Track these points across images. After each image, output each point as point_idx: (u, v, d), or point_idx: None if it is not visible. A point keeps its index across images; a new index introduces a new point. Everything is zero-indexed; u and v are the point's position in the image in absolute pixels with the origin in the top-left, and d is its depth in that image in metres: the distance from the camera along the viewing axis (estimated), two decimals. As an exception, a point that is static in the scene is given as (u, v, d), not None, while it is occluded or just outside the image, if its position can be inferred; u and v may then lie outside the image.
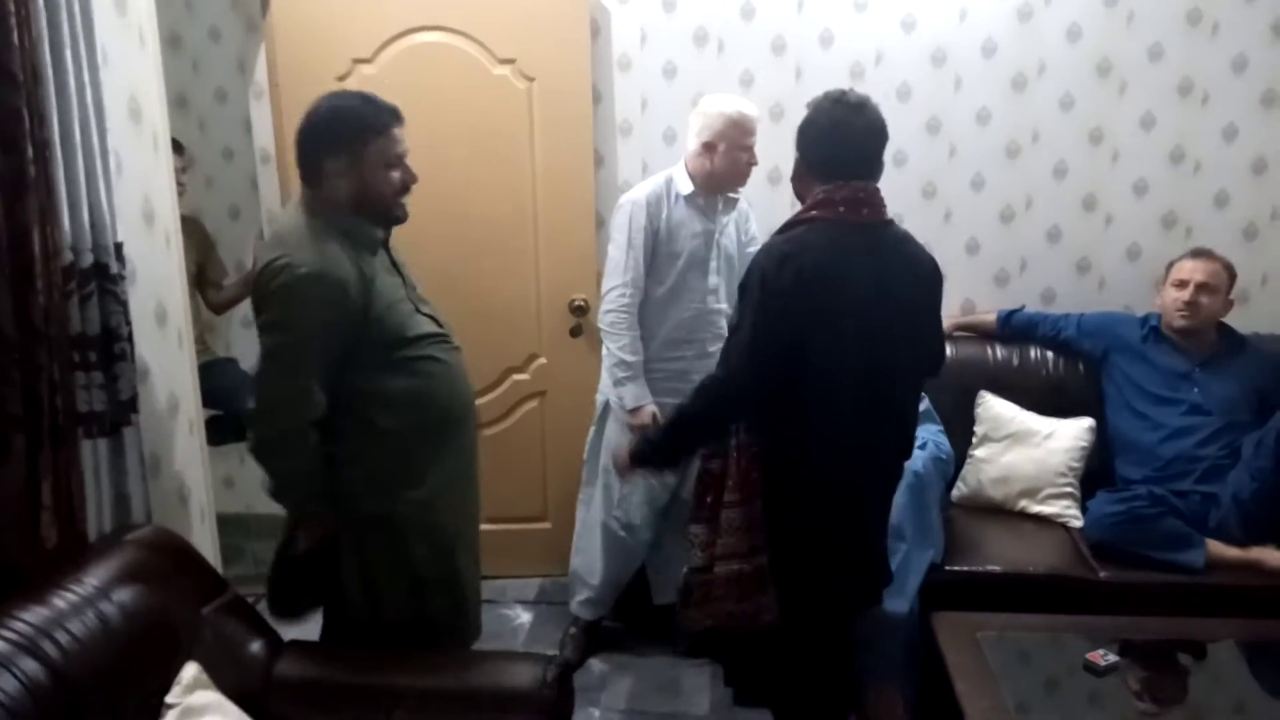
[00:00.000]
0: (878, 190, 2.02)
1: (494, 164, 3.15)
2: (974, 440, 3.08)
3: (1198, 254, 2.96)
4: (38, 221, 1.74)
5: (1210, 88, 3.13)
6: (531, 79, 3.11)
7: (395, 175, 1.95)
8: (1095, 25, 3.11)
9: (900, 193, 3.26)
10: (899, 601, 2.52)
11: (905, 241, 2.08)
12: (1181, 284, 2.92)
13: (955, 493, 3.05)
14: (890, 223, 2.06)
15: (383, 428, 1.98)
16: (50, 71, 1.76)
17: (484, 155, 3.14)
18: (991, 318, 3.24)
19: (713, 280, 2.78)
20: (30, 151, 1.71)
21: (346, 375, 1.93)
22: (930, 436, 2.88)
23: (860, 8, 3.14)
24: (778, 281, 1.92)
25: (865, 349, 1.96)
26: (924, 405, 3.01)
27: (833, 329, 1.94)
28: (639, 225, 2.70)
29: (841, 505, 2.07)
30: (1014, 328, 3.20)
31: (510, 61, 3.10)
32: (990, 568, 2.69)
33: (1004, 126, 3.22)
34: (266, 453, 1.94)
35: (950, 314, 3.32)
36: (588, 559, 2.97)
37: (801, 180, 2.08)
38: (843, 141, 1.98)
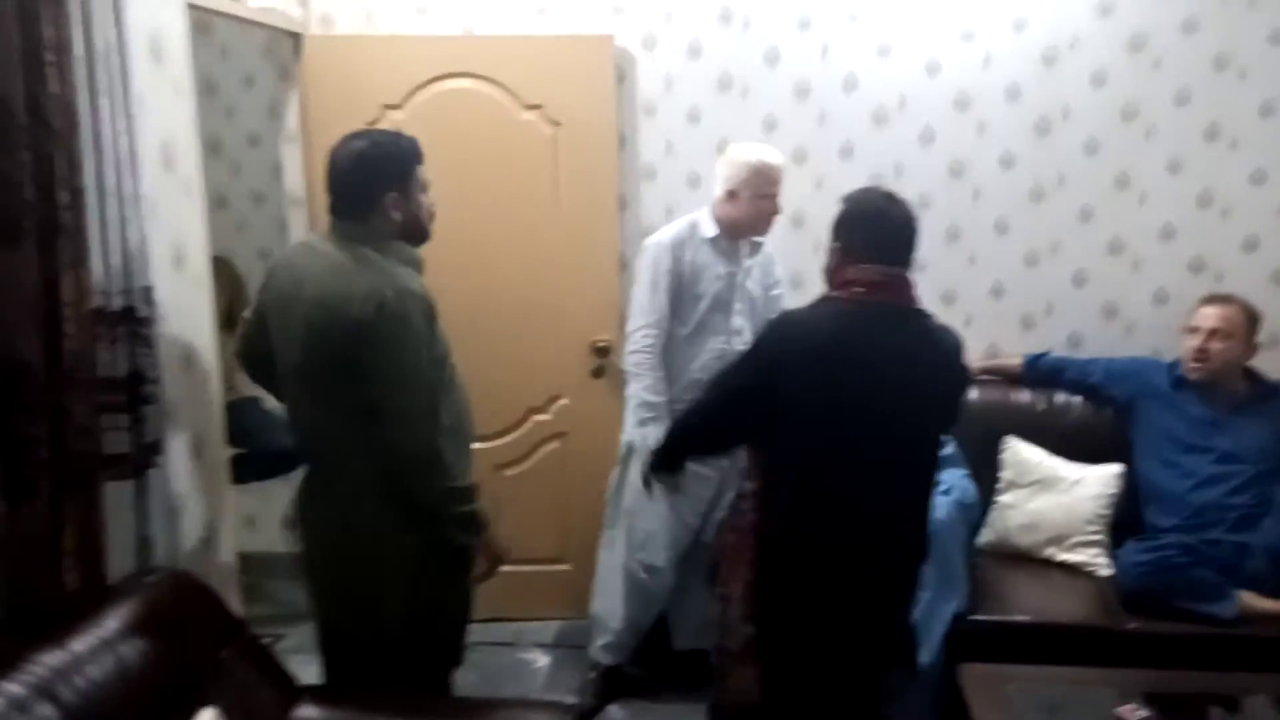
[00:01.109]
0: (905, 278, 2.00)
1: (520, 207, 3.18)
2: (1000, 485, 3.04)
3: (1212, 300, 2.92)
4: (69, 265, 1.77)
5: (1238, 132, 3.11)
6: (558, 124, 3.15)
7: (427, 199, 2.06)
8: (1120, 70, 3.11)
9: (925, 237, 3.22)
10: (922, 652, 2.48)
11: (927, 335, 2.03)
12: (1194, 330, 2.88)
13: (981, 539, 3.00)
14: (918, 311, 2.02)
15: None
16: (86, 120, 1.81)
17: (510, 198, 3.18)
18: (1017, 361, 3.21)
19: (736, 322, 2.78)
20: (64, 198, 1.76)
21: None
22: (955, 481, 2.84)
23: (884, 53, 3.16)
24: (771, 338, 2.02)
25: (852, 427, 1.94)
26: (949, 449, 2.99)
27: (815, 400, 1.93)
28: (664, 267, 2.73)
29: (830, 585, 2.02)
30: (1040, 372, 3.17)
31: (537, 107, 3.15)
32: (1017, 617, 2.64)
33: (1028, 170, 3.21)
34: (452, 498, 1.97)
35: (975, 358, 3.31)
36: (609, 602, 2.95)
37: (836, 268, 2.04)
38: (878, 226, 1.99)
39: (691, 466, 2.71)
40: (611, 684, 2.98)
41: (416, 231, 2.05)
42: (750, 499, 2.10)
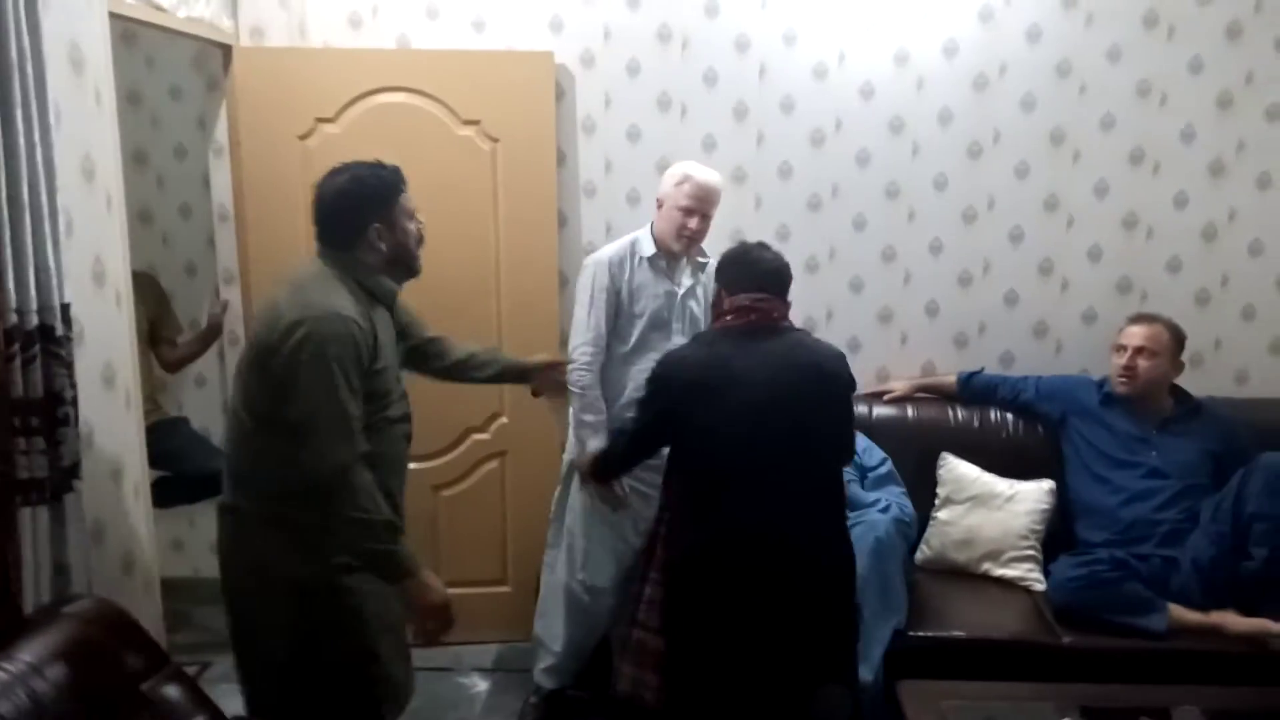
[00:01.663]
0: (774, 301, 2.24)
1: (458, 224, 3.13)
2: (936, 502, 3.08)
3: (1138, 319, 3.01)
4: (-20, 282, 1.69)
5: (1161, 156, 3.21)
6: (496, 140, 3.12)
7: (414, 226, 2.08)
8: (1048, 92, 3.19)
9: (861, 257, 3.31)
10: (863, 670, 2.48)
11: (799, 343, 2.24)
12: (1121, 349, 2.98)
13: (919, 555, 3.03)
14: (789, 326, 2.27)
15: None
16: (-1, 132, 1.73)
17: (447, 216, 3.12)
18: (951, 379, 3.26)
19: (676, 341, 2.77)
20: (-25, 211, 1.68)
21: None
22: (893, 499, 2.87)
23: (820, 75, 3.20)
24: (658, 374, 2.26)
25: (744, 437, 2.10)
26: (886, 468, 3.02)
27: (701, 419, 2.13)
28: (601, 284, 2.72)
29: (735, 590, 2.11)
30: (974, 390, 3.22)
31: (475, 123, 3.11)
32: (955, 633, 2.66)
33: (961, 192, 3.27)
34: (361, 530, 1.89)
35: (910, 375, 3.36)
36: (551, 624, 2.90)
37: (714, 305, 2.39)
38: (745, 264, 2.28)
39: (634, 485, 2.70)
40: (554, 708, 2.93)
41: (405, 259, 2.06)
42: (661, 516, 2.42)
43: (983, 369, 3.28)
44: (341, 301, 1.90)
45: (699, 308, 2.84)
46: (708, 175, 2.71)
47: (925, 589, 2.85)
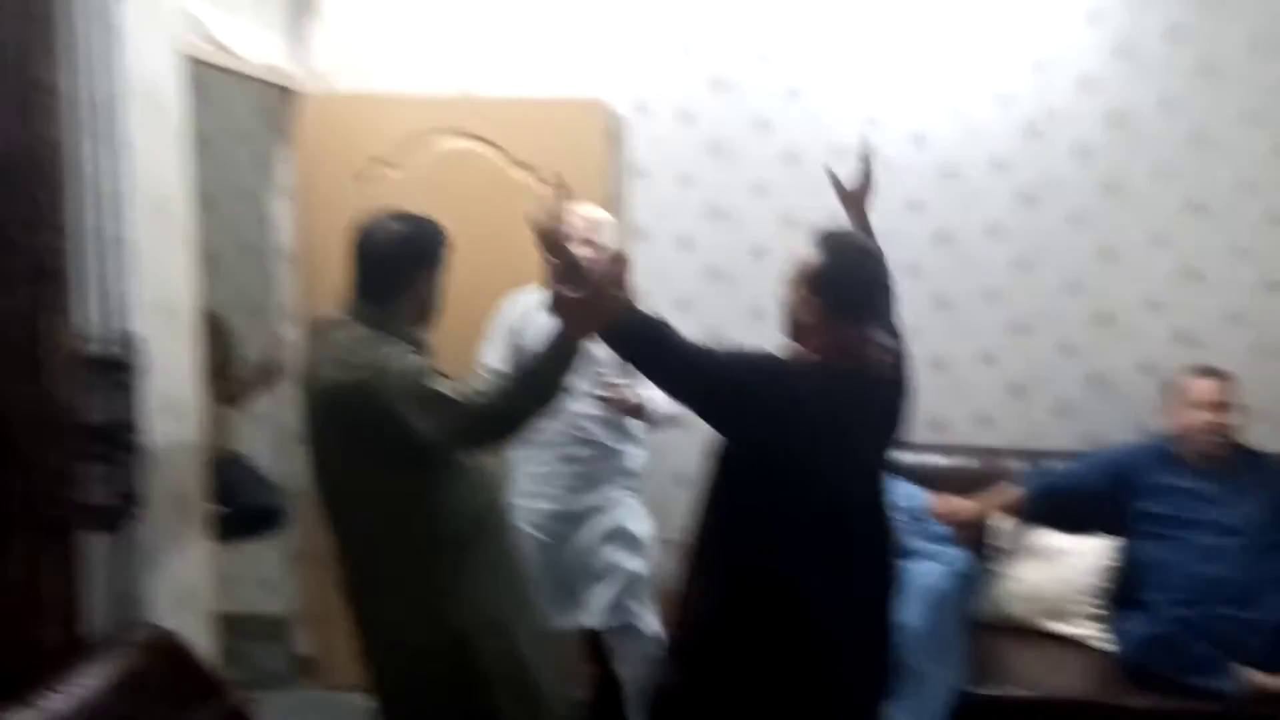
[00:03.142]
0: (880, 333, 1.93)
1: (511, 266, 3.15)
2: (991, 554, 3.00)
3: (1208, 373, 2.90)
4: (51, 309, 1.73)
5: (1218, 206, 3.17)
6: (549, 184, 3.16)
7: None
8: (1101, 143, 3.18)
9: (914, 304, 3.25)
10: (922, 726, 2.41)
11: (896, 397, 1.98)
12: (1197, 405, 2.85)
13: (978, 610, 2.94)
14: (889, 371, 1.95)
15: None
16: (74, 163, 1.78)
17: (501, 258, 3.15)
18: (1014, 495, 2.97)
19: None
20: (48, 241, 1.71)
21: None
22: (952, 551, 2.80)
23: (872, 123, 3.21)
24: (773, 388, 1.77)
25: (836, 495, 1.84)
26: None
27: (804, 466, 1.79)
28: (503, 319, 2.77)
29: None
30: (1040, 503, 2.96)
31: (529, 167, 3.16)
32: (1018, 692, 2.59)
33: (1014, 240, 3.25)
34: (518, 416, 1.89)
35: (964, 427, 3.30)
36: None
37: (815, 327, 1.86)
38: (863, 285, 1.87)
39: (541, 537, 2.63)
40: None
41: (431, 310, 2.07)
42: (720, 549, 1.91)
43: (1037, 468, 3.07)
44: (396, 350, 1.91)
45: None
46: (594, 211, 2.67)
47: (985, 644, 2.77)
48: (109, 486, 1.90)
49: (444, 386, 1.85)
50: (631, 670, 2.72)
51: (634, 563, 2.68)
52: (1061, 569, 2.89)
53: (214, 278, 3.50)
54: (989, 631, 2.86)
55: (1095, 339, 3.29)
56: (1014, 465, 3.14)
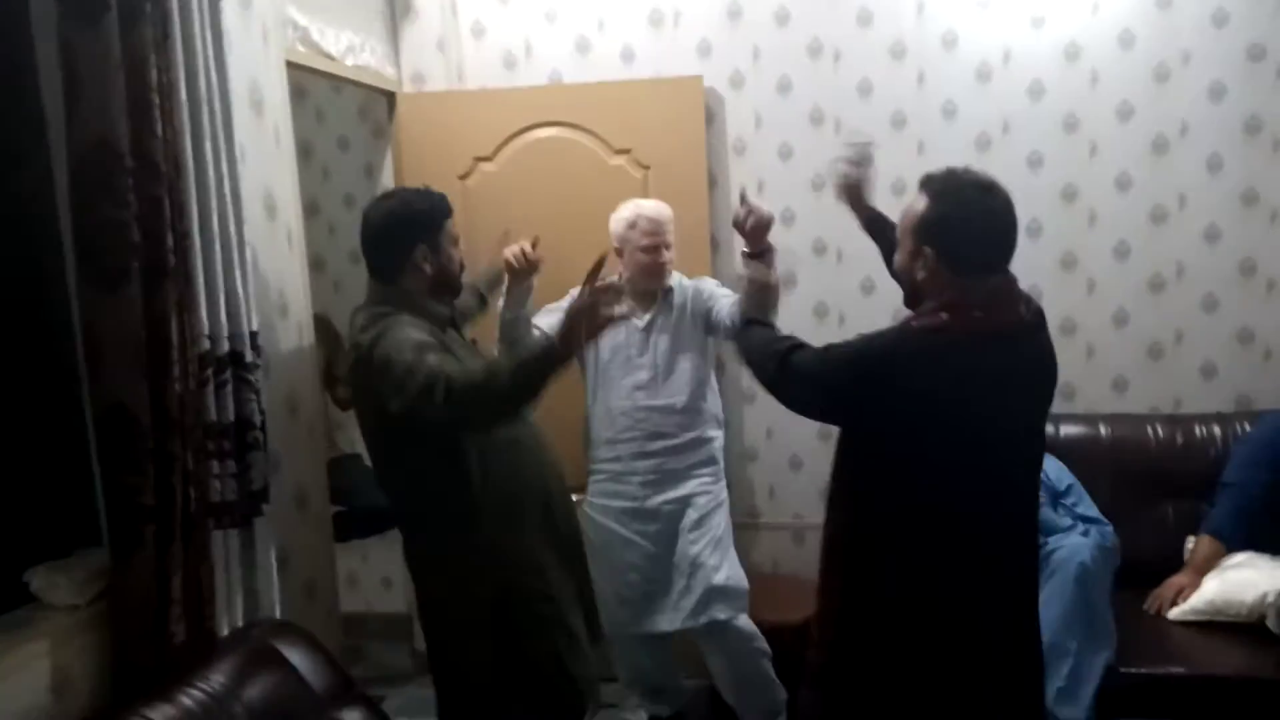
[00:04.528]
0: (1013, 281, 1.72)
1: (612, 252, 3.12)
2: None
3: None
4: (175, 309, 1.75)
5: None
6: (647, 167, 3.11)
7: (456, 254, 2.09)
8: (1238, 81, 2.94)
9: (1038, 265, 3.09)
10: (1073, 710, 2.27)
11: (1041, 355, 1.76)
12: None
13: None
14: (1028, 325, 1.72)
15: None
16: (191, 163, 1.80)
17: (602, 244, 3.12)
18: (1217, 549, 2.68)
19: (640, 376, 2.67)
20: (170, 240, 1.74)
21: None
22: (1092, 523, 2.64)
23: (983, 78, 3.05)
24: (887, 373, 1.65)
25: (977, 477, 1.67)
26: (1079, 492, 2.78)
27: (937, 451, 1.65)
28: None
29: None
30: (1242, 535, 2.69)
31: (626, 152, 3.12)
32: (1174, 669, 2.41)
33: (1146, 192, 3.04)
34: (517, 393, 1.83)
35: (1101, 396, 3.10)
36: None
37: (935, 284, 1.69)
38: (991, 230, 1.66)
39: (623, 533, 2.64)
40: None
41: (447, 283, 2.07)
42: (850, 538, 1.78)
43: (1223, 520, 2.73)
44: (410, 332, 1.89)
45: (681, 337, 2.68)
46: (654, 207, 2.65)
47: (1133, 619, 2.58)
48: (236, 483, 1.92)
49: (434, 362, 1.80)
50: (723, 665, 2.69)
51: (715, 558, 2.61)
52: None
53: (324, 284, 3.60)
54: (1132, 606, 2.64)
55: (1240, 293, 3.04)
56: (1160, 437, 2.95)
